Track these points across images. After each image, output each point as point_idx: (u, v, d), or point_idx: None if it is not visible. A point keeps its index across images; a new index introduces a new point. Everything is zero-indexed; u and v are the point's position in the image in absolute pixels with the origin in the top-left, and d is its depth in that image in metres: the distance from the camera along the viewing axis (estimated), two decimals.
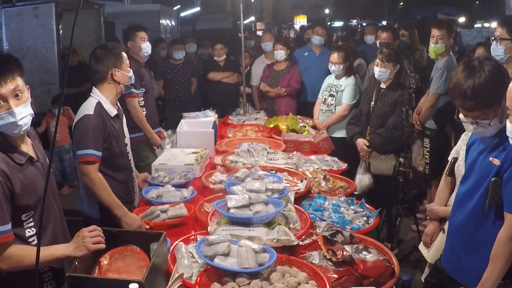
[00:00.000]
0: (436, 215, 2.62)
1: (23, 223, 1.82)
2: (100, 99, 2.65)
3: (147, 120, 4.06)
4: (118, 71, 2.67)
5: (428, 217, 2.70)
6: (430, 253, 2.63)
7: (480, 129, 1.97)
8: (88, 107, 2.60)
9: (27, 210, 1.82)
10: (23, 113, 1.75)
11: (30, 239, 1.85)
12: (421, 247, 2.74)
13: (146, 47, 4.22)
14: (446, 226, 2.56)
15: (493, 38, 3.08)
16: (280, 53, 5.18)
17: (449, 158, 2.65)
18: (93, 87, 2.72)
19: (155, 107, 4.39)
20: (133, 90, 3.99)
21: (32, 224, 1.85)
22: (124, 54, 2.73)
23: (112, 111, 2.67)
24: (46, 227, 1.93)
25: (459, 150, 2.58)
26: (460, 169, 2.50)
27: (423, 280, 2.69)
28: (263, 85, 5.26)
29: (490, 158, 1.95)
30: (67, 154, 5.84)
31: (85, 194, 2.70)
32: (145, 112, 4.11)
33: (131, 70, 2.78)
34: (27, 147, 1.88)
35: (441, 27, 4.07)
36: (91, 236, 1.80)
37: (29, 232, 1.84)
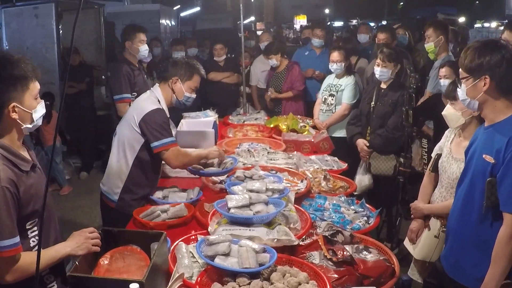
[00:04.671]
0: (421, 212, 2.66)
1: (27, 232, 1.79)
2: (160, 98, 2.80)
3: None
4: (179, 83, 2.80)
5: (412, 215, 2.72)
6: (416, 249, 2.66)
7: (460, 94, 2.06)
8: (154, 102, 2.78)
9: (31, 218, 1.79)
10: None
11: (35, 249, 1.81)
12: (407, 243, 2.77)
13: (144, 50, 4.13)
14: (430, 223, 2.60)
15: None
16: (272, 62, 5.19)
17: (432, 155, 2.70)
18: (156, 83, 2.93)
19: None
20: (124, 95, 3.97)
21: (36, 232, 1.82)
22: (195, 78, 2.85)
23: (166, 113, 2.83)
24: (49, 231, 1.91)
25: (442, 146, 2.63)
26: (444, 165, 2.54)
27: (409, 275, 2.72)
28: (271, 91, 5.23)
29: (483, 155, 1.96)
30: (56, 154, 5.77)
31: (109, 175, 2.82)
32: None
33: (192, 95, 2.87)
34: (25, 153, 1.88)
35: (430, 26, 4.15)
36: (91, 238, 1.83)
37: (33, 242, 1.81)
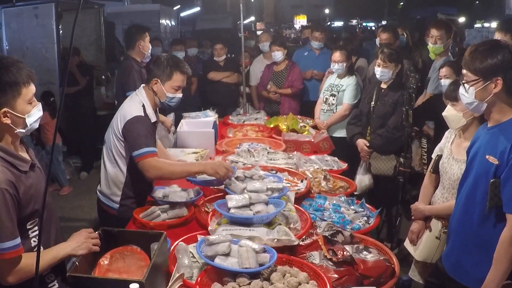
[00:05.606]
0: (422, 214, 2.65)
1: (28, 232, 1.79)
2: (144, 101, 2.70)
3: None
4: (159, 84, 2.68)
5: (413, 216, 2.72)
6: (417, 251, 2.66)
7: (462, 96, 2.02)
8: (136, 108, 2.65)
9: (32, 218, 1.79)
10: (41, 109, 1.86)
11: (36, 249, 1.78)
12: (407, 244, 2.77)
13: (151, 48, 4.32)
14: (432, 224, 2.60)
15: None
16: (278, 54, 5.17)
17: (433, 156, 2.69)
18: (141, 85, 2.80)
19: None
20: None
21: (37, 232, 1.82)
22: (175, 77, 2.68)
23: (152, 117, 2.72)
24: (49, 230, 1.91)
25: (443, 147, 2.63)
26: (444, 166, 2.54)
27: (410, 276, 2.71)
28: (270, 84, 5.24)
29: (487, 156, 1.95)
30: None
31: (105, 185, 2.75)
32: None
33: (177, 95, 2.73)
34: (24, 152, 1.88)
35: (440, 27, 4.09)
36: (91, 237, 1.84)
37: (34, 242, 1.81)
